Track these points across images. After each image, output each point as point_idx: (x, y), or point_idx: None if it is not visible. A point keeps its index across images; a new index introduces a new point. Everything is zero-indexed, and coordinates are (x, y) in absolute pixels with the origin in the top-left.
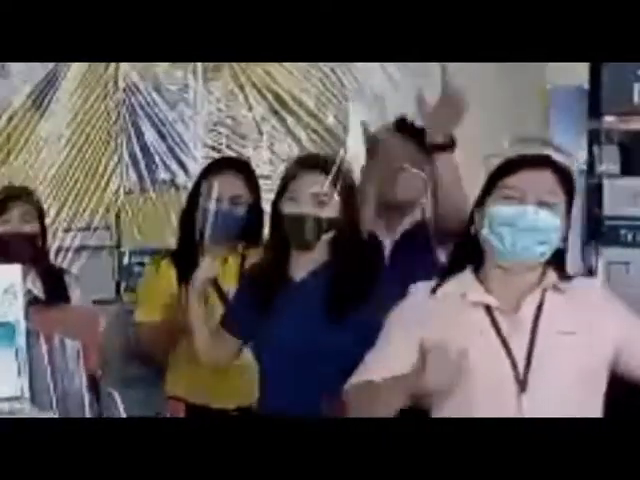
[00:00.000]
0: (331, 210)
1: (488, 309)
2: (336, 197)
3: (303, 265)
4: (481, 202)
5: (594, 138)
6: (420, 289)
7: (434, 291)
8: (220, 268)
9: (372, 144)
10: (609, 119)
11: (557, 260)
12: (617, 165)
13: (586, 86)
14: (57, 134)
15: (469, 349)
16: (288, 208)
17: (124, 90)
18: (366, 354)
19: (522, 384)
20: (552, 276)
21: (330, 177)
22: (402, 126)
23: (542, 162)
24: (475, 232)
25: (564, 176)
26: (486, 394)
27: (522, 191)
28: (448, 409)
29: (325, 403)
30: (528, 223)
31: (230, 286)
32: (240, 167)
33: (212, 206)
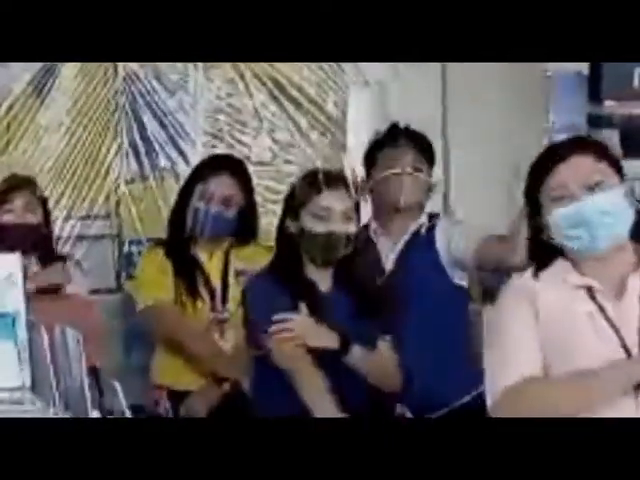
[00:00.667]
0: (353, 225)
1: (591, 293)
2: (355, 211)
3: (326, 278)
4: (534, 211)
5: (594, 123)
6: (521, 276)
7: (536, 275)
8: (208, 264)
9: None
10: (609, 104)
11: None
12: (617, 149)
13: (586, 71)
14: (57, 122)
15: (580, 335)
16: (315, 226)
17: (124, 78)
18: (488, 355)
19: None
20: None
21: (351, 192)
22: (396, 132)
23: (571, 149)
24: (547, 238)
25: (599, 149)
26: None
27: (566, 187)
28: None
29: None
30: (594, 216)
31: (217, 282)
32: (234, 167)
33: (203, 208)
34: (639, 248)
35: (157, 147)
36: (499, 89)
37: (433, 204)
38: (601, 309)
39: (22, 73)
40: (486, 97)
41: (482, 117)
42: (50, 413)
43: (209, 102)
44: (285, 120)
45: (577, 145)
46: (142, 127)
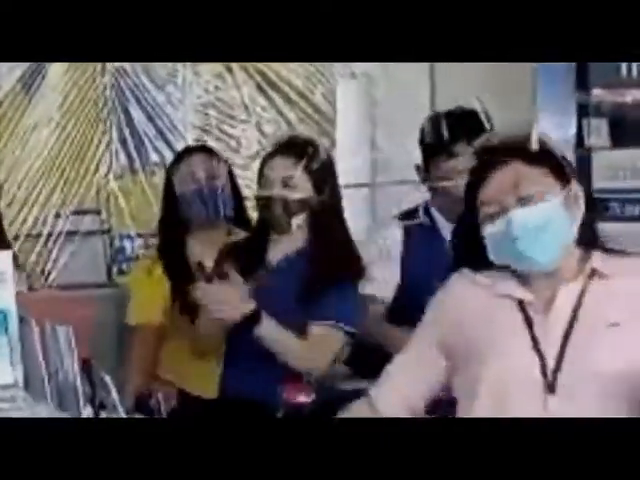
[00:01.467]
0: (302, 192)
1: (521, 305)
2: (307, 179)
3: (281, 249)
4: (473, 217)
5: (582, 112)
6: (452, 282)
7: (465, 281)
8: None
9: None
10: (597, 92)
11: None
12: (606, 138)
13: None
14: (46, 118)
15: (498, 348)
16: (259, 192)
17: (113, 73)
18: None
19: (550, 386)
20: (597, 259)
21: (300, 160)
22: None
23: (505, 157)
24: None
25: (537, 156)
26: (514, 397)
27: (498, 201)
28: (478, 410)
29: (283, 390)
30: (525, 232)
31: None
32: (205, 148)
33: (187, 190)
34: (585, 256)
35: (146, 141)
36: (487, 77)
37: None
38: (527, 320)
39: (10, 70)
40: (474, 87)
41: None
42: (43, 410)
43: (198, 96)
44: (274, 113)
45: (515, 150)
46: (131, 122)
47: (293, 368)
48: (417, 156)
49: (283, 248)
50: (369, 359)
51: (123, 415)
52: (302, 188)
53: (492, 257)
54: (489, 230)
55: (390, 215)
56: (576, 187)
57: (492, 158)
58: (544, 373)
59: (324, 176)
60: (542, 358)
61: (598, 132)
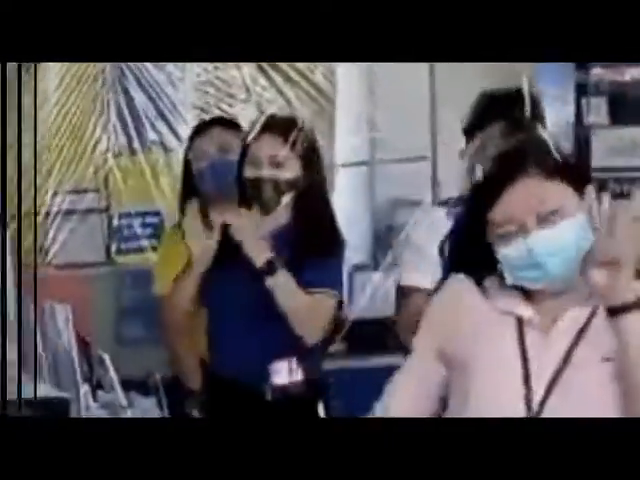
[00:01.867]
0: (291, 172)
1: (519, 322)
2: (295, 158)
3: (264, 227)
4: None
5: (581, 90)
6: (448, 288)
7: (462, 287)
8: None
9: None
10: (596, 71)
11: None
12: (605, 116)
13: None
14: (46, 96)
15: (485, 369)
16: (248, 172)
17: None
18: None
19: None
20: None
21: (287, 138)
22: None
23: (519, 171)
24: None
25: (554, 167)
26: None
27: (515, 221)
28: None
29: (272, 369)
30: (546, 255)
31: None
32: (225, 122)
33: (203, 164)
34: None
35: (145, 121)
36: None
37: (417, 188)
38: (522, 344)
39: None
40: (472, 66)
41: (469, 88)
42: (41, 389)
43: (197, 75)
44: (274, 93)
45: (533, 162)
46: (131, 101)
47: (293, 328)
48: (415, 135)
49: (266, 226)
50: (366, 335)
51: (120, 394)
52: (291, 167)
53: (509, 279)
54: (505, 252)
55: (388, 193)
56: (591, 190)
57: (503, 172)
58: (527, 407)
59: (310, 154)
60: (529, 389)
61: (597, 110)
